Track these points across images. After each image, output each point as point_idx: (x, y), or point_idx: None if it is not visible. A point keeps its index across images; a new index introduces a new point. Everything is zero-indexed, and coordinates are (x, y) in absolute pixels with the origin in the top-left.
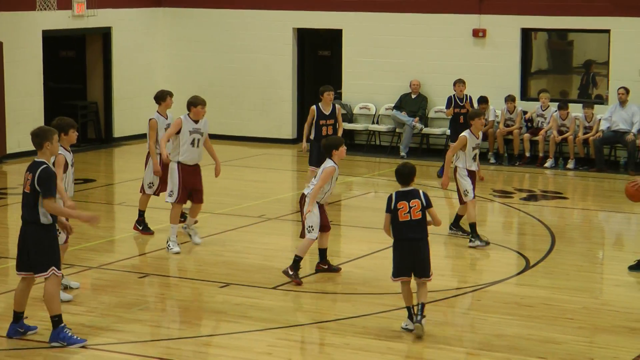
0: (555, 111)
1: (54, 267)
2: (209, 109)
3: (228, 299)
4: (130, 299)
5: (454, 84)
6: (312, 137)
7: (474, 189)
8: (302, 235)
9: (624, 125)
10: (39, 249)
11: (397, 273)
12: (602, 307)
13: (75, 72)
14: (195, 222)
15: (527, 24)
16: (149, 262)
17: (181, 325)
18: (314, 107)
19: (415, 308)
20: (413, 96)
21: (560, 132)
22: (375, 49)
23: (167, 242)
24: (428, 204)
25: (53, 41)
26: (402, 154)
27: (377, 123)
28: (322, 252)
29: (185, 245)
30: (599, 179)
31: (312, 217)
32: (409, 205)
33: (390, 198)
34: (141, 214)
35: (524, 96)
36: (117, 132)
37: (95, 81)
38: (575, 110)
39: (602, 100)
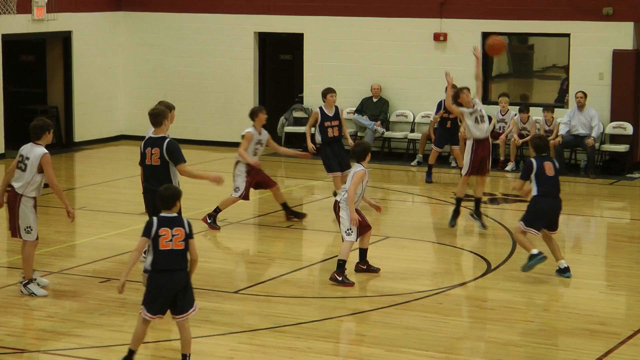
0: (516, 115)
1: None
2: None
3: None
4: (92, 304)
5: (446, 90)
6: (318, 140)
7: (486, 159)
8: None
9: (583, 129)
10: None
11: (151, 308)
12: (563, 309)
13: (36, 77)
14: None
15: (487, 27)
16: (110, 267)
17: None
18: (317, 109)
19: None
20: (374, 100)
21: (521, 136)
22: (337, 53)
23: None
24: (191, 235)
25: (13, 45)
26: None
27: None
28: (362, 253)
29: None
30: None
31: (348, 220)
32: (171, 233)
33: (150, 223)
34: (218, 211)
35: (485, 100)
36: (78, 136)
37: (55, 85)
38: (536, 113)
39: (562, 103)
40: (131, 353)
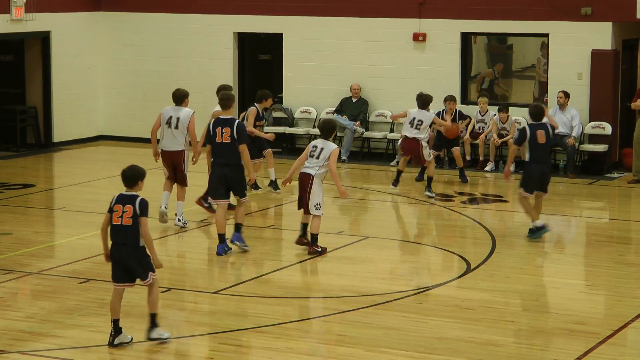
0: (495, 115)
1: (246, 195)
2: (150, 113)
3: (170, 304)
4: (71, 305)
5: (445, 101)
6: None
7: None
8: (307, 212)
9: (564, 128)
10: (241, 181)
11: (113, 277)
12: (542, 309)
13: (14, 77)
14: None
15: (466, 28)
16: (90, 268)
17: (122, 330)
18: (254, 107)
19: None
20: (354, 100)
21: (501, 136)
22: (316, 53)
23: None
24: (142, 213)
25: None
26: (343, 157)
27: None
28: (306, 227)
29: None
30: None
31: (321, 196)
32: (122, 209)
33: (112, 199)
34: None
35: (464, 100)
36: (57, 136)
37: (34, 86)
38: (515, 113)
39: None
40: (113, 323)
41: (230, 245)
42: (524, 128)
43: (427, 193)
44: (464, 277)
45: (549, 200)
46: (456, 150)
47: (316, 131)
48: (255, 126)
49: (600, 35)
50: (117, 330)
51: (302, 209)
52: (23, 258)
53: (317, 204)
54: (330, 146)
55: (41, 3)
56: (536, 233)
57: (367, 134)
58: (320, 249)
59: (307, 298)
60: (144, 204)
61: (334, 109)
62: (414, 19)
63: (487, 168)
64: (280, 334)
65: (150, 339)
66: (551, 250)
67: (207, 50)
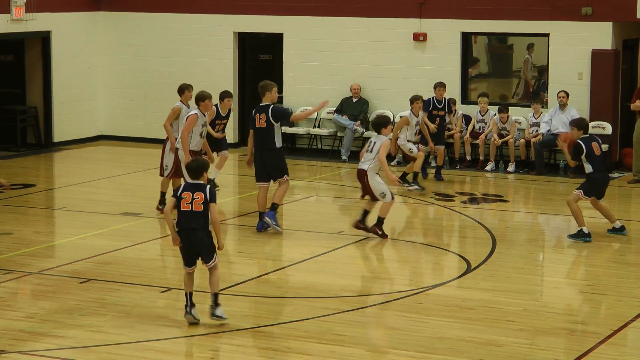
0: (495, 115)
1: (287, 175)
2: (151, 113)
3: (170, 304)
4: (71, 305)
5: (435, 88)
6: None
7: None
8: (375, 199)
9: (564, 128)
10: (279, 164)
11: (184, 262)
12: (543, 309)
13: (14, 77)
14: None
15: (467, 27)
16: (90, 267)
17: (122, 330)
18: (213, 107)
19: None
20: (354, 100)
21: (501, 136)
22: (316, 53)
23: None
24: (212, 199)
25: None
26: (344, 157)
27: (319, 127)
28: (366, 214)
29: (125, 250)
30: (539, 182)
31: (382, 185)
32: (192, 196)
33: (179, 186)
34: (162, 195)
35: (465, 100)
36: (57, 136)
37: (34, 85)
38: (515, 113)
39: (542, 103)
40: (188, 295)
41: (265, 220)
42: (579, 144)
43: (408, 187)
44: (465, 277)
45: (549, 200)
46: (440, 149)
47: (316, 131)
48: (215, 125)
49: (600, 35)
50: (192, 303)
51: (366, 197)
52: (23, 258)
53: (381, 193)
54: (381, 139)
55: (41, 3)
56: (617, 232)
57: (367, 134)
58: (381, 233)
59: (307, 298)
60: (214, 191)
61: (334, 108)
62: (415, 18)
63: (487, 168)
64: (280, 333)
65: (214, 316)
66: (551, 249)
67: (207, 50)
